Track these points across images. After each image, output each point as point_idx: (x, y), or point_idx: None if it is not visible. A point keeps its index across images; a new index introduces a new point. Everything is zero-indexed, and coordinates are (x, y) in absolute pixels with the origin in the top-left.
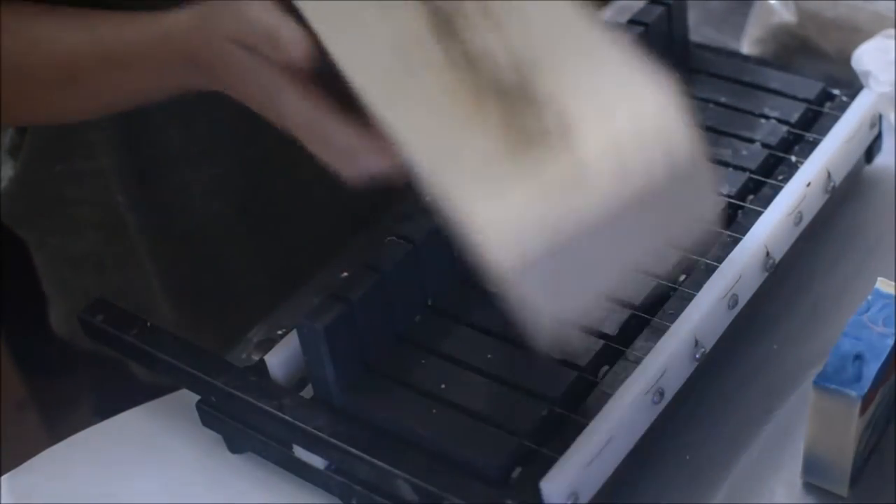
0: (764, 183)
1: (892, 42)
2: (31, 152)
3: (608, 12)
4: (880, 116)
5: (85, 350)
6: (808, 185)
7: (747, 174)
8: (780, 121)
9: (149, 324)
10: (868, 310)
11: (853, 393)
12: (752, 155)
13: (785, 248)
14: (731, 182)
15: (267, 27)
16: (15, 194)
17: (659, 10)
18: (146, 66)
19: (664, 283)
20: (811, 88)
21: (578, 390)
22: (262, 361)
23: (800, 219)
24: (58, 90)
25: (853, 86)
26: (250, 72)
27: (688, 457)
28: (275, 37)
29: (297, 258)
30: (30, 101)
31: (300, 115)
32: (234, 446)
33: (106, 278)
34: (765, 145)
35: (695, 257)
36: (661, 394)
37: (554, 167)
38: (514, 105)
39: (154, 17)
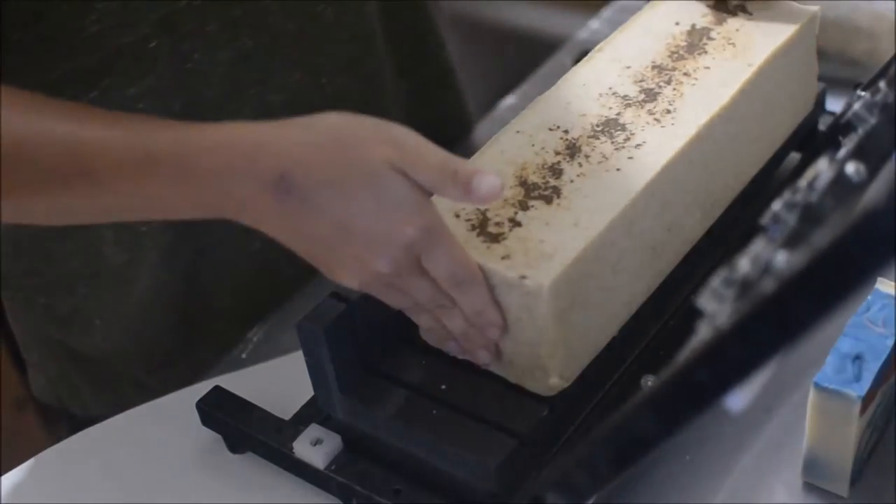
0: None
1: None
2: None
3: (608, 12)
4: None
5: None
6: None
7: None
8: None
9: None
10: (868, 310)
11: (853, 393)
12: None
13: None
14: None
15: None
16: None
17: None
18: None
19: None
20: None
21: (579, 392)
22: None
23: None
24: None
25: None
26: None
27: (688, 457)
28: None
29: None
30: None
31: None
32: (234, 446)
33: (92, 337)
34: None
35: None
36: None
37: None
38: None
39: (217, 128)
